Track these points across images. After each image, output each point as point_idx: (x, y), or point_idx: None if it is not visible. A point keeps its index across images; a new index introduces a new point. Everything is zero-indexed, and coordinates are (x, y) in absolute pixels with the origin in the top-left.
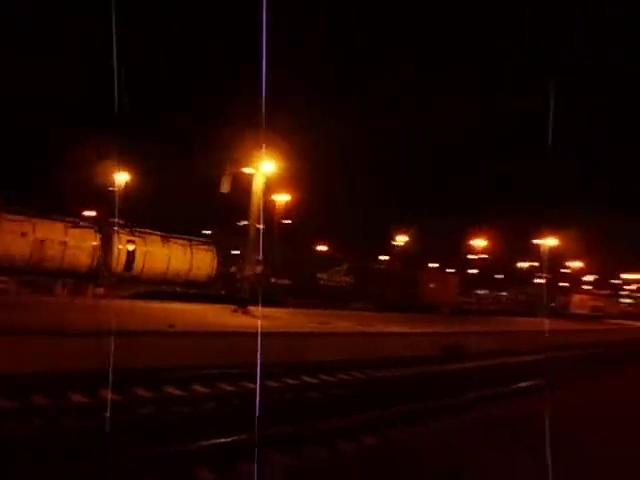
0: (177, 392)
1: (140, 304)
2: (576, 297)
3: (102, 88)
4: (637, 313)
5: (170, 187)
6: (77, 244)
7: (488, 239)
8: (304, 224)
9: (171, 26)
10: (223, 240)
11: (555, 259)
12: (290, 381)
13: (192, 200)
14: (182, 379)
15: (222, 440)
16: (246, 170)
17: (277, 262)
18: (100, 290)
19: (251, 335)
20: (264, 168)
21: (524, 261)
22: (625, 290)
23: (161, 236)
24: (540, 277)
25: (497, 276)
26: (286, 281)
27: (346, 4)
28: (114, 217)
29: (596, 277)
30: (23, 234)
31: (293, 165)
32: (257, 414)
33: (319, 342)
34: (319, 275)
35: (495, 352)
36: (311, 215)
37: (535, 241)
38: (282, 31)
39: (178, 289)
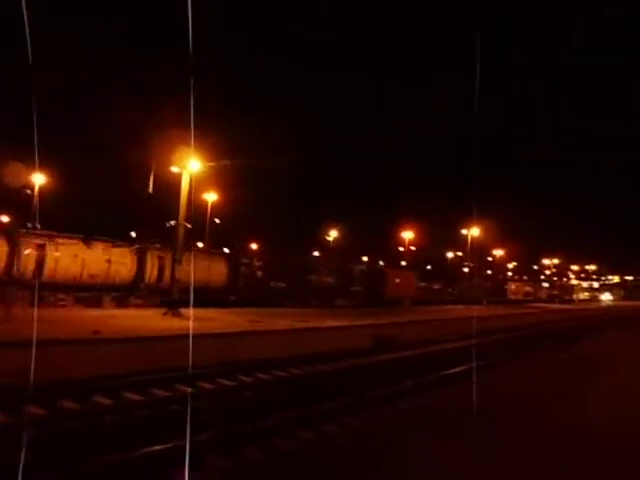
0: (106, 401)
1: (68, 312)
2: (512, 285)
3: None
4: (557, 295)
5: (95, 188)
6: (119, 261)
7: (415, 231)
8: (235, 222)
9: (96, 24)
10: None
11: (479, 248)
12: (225, 382)
13: (119, 201)
14: (110, 388)
15: (155, 447)
16: (173, 169)
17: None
18: (138, 300)
19: (181, 338)
20: (191, 167)
21: (451, 251)
22: (544, 275)
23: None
24: (467, 266)
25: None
26: (282, 284)
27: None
28: (30, 220)
29: (515, 264)
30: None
31: (221, 164)
32: (189, 417)
33: (254, 341)
34: (312, 277)
35: (428, 340)
36: (241, 213)
37: (462, 231)
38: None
39: None
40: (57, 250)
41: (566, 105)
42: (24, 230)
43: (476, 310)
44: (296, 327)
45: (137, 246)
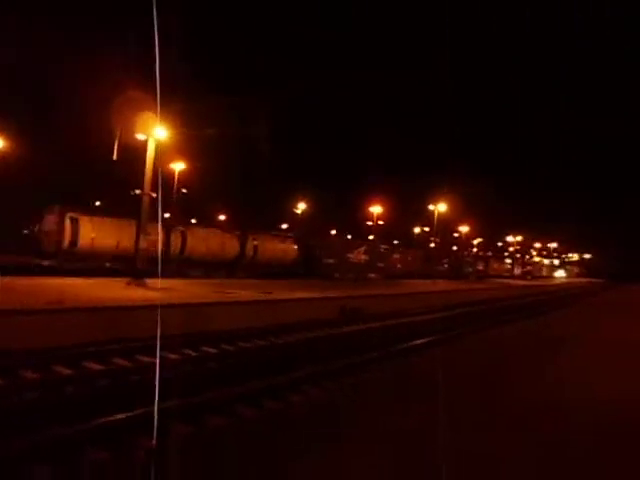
0: (67, 371)
1: (30, 281)
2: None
3: None
4: (529, 272)
5: (56, 155)
6: (229, 243)
7: (383, 206)
8: (202, 193)
9: None
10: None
11: (446, 224)
12: (190, 352)
13: (82, 168)
14: (71, 357)
15: (118, 417)
16: (138, 136)
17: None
18: (241, 273)
19: (144, 308)
20: (157, 134)
21: (418, 226)
22: (508, 252)
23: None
24: (433, 241)
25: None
26: (332, 260)
27: None
28: None
29: (481, 240)
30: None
31: (188, 133)
32: (157, 386)
33: (220, 312)
34: (349, 255)
35: (397, 313)
36: (209, 184)
37: (429, 207)
38: None
39: None
40: (193, 236)
41: (537, 84)
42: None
43: (444, 285)
44: (266, 299)
45: (239, 233)
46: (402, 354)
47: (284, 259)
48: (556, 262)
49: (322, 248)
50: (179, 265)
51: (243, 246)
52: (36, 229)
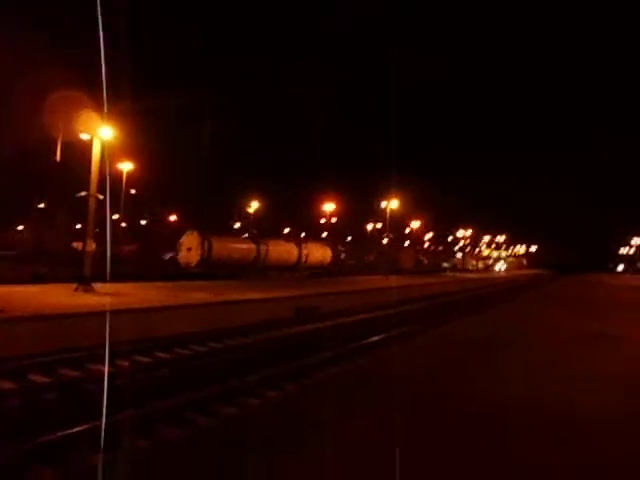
0: (8, 385)
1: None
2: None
3: None
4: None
5: None
6: (290, 251)
7: (336, 203)
8: (151, 193)
9: None
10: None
11: (398, 220)
12: (142, 359)
13: (26, 169)
14: (15, 370)
15: (64, 432)
16: (82, 135)
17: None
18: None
19: (93, 315)
20: (102, 134)
21: (371, 222)
22: (459, 245)
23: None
24: (386, 237)
25: (348, 239)
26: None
27: None
28: None
29: (432, 235)
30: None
31: (136, 133)
32: (105, 398)
33: (172, 316)
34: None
35: (356, 309)
36: (158, 184)
37: (382, 203)
38: None
39: None
40: (274, 246)
41: (483, 81)
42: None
43: (395, 280)
44: (219, 300)
45: (296, 242)
46: (354, 352)
47: (324, 262)
48: (503, 254)
49: (346, 253)
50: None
51: (300, 253)
52: None
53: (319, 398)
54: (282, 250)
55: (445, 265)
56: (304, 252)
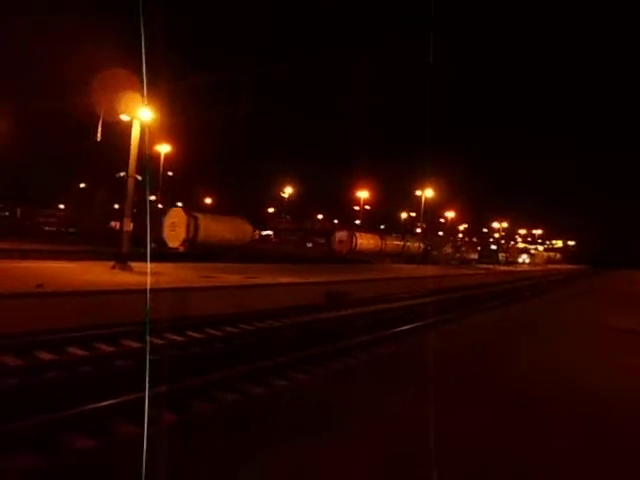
0: (48, 356)
1: (9, 264)
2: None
3: None
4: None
5: (40, 135)
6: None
7: (370, 190)
8: (188, 175)
9: None
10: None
11: (432, 209)
12: (175, 337)
13: (63, 149)
14: (54, 342)
15: (103, 403)
16: (122, 117)
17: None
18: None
19: (128, 293)
20: (142, 115)
21: (405, 211)
22: (493, 238)
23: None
24: (419, 227)
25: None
26: (435, 252)
27: None
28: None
29: (466, 226)
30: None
31: (175, 115)
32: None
33: (205, 296)
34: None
35: (383, 298)
36: (194, 166)
37: (415, 192)
38: None
39: None
40: (362, 238)
41: (521, 72)
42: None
43: (430, 270)
44: (250, 283)
45: (400, 236)
46: (384, 340)
47: (418, 252)
48: (540, 248)
49: (431, 245)
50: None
51: (404, 245)
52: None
53: (346, 381)
54: (390, 243)
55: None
56: (405, 244)
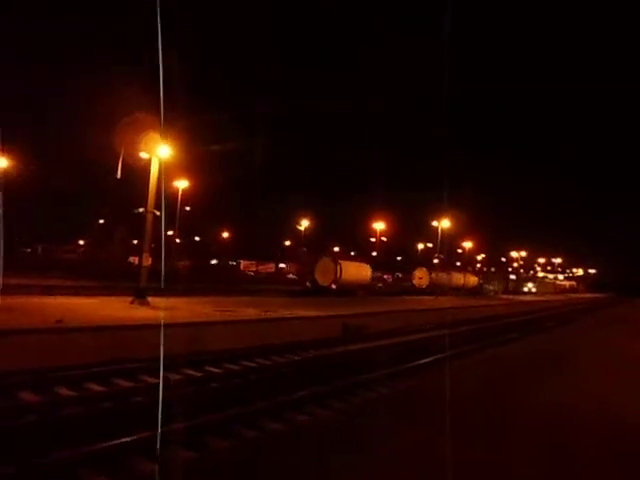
0: (68, 393)
1: (29, 299)
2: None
3: None
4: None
5: (61, 172)
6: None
7: (386, 222)
8: (205, 210)
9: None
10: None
11: (449, 240)
12: (193, 373)
13: (84, 186)
14: (73, 378)
15: (119, 441)
16: (142, 154)
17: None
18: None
19: (147, 328)
20: (160, 152)
21: (421, 242)
22: (512, 267)
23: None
24: (437, 257)
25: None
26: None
27: None
28: None
29: (484, 256)
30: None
31: (192, 151)
32: (160, 409)
33: (222, 331)
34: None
35: (401, 330)
36: (211, 200)
37: (432, 223)
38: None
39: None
40: (437, 275)
41: (535, 100)
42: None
43: (447, 301)
44: (267, 317)
45: (469, 273)
46: (402, 373)
47: (474, 287)
48: (560, 277)
49: (484, 280)
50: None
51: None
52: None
53: (366, 416)
54: (470, 279)
55: (490, 288)
56: (467, 280)
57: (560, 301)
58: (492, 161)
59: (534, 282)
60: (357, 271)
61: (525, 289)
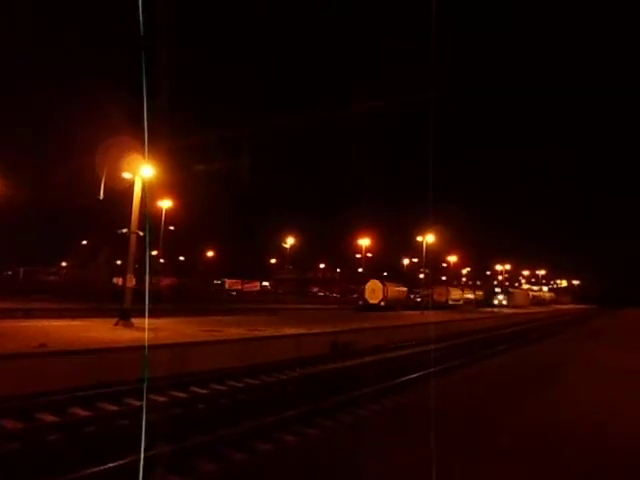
0: (51, 418)
1: (12, 323)
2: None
3: None
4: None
5: (44, 194)
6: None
7: (372, 237)
8: (188, 229)
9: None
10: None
11: (434, 254)
12: (179, 394)
13: (66, 208)
14: (56, 403)
15: (103, 467)
16: (125, 175)
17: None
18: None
19: (132, 350)
20: (143, 173)
21: (407, 257)
22: (497, 280)
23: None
24: (422, 272)
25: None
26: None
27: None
28: None
29: (469, 270)
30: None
31: (176, 171)
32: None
33: (208, 351)
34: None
35: (389, 346)
36: (195, 220)
37: (417, 238)
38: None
39: None
40: (454, 290)
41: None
42: None
43: (433, 316)
44: (254, 336)
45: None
46: (393, 389)
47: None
48: (545, 289)
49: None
50: None
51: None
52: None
53: (355, 435)
54: (458, 293)
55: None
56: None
57: (529, 316)
58: (477, 174)
59: (505, 294)
60: (397, 291)
61: (495, 302)
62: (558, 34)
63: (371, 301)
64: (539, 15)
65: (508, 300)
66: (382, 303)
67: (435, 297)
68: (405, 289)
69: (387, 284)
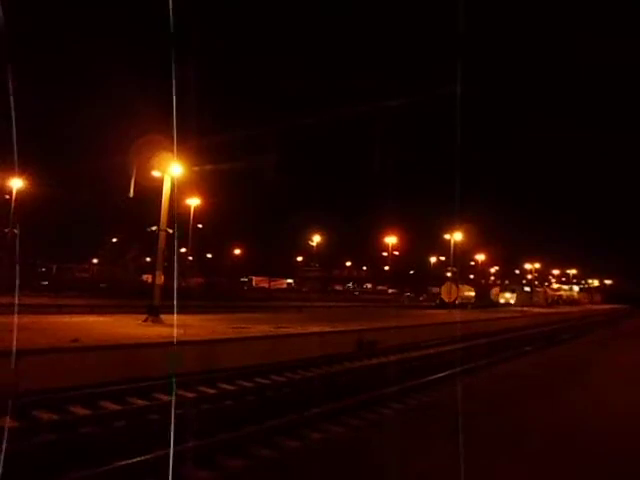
0: (83, 412)
1: (45, 319)
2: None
3: None
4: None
5: (74, 192)
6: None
7: (398, 236)
8: (217, 227)
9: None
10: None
11: (462, 252)
12: (207, 390)
13: (100, 205)
14: (88, 397)
15: (134, 460)
16: (154, 173)
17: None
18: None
19: (161, 346)
20: (172, 171)
21: (434, 256)
22: (526, 279)
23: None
24: (450, 270)
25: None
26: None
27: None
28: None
29: (497, 269)
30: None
31: (205, 169)
32: (172, 428)
33: (235, 348)
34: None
35: (413, 345)
36: (223, 218)
37: (444, 236)
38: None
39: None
40: (463, 288)
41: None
42: None
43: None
44: (279, 333)
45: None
46: (418, 389)
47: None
48: (576, 288)
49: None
50: None
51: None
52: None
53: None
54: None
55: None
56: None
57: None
58: (507, 172)
59: (512, 292)
60: (468, 291)
61: (502, 300)
62: (580, 30)
63: (447, 300)
64: (564, 9)
65: (517, 299)
66: (456, 302)
67: (493, 297)
68: (473, 291)
69: (461, 286)
